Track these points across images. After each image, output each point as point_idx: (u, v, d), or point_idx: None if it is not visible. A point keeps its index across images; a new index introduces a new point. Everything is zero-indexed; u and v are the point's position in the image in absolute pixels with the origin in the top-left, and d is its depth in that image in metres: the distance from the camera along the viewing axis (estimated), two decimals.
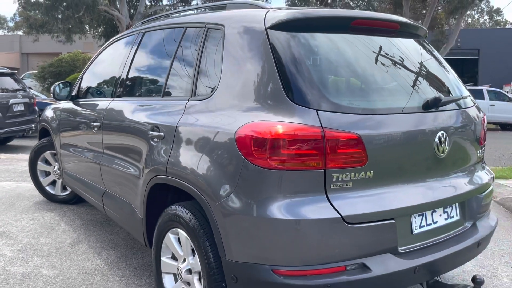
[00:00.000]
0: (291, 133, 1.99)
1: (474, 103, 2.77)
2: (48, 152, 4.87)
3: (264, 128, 2.03)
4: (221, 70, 2.39)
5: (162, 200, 2.79)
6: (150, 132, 2.74)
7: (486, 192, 2.65)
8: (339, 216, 1.99)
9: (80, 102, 4.08)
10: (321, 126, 2.01)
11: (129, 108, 3.15)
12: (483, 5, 49.04)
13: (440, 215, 2.39)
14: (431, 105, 2.34)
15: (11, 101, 9.79)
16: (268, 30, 2.25)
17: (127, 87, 3.37)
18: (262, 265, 2.04)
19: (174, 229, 2.54)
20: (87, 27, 25.14)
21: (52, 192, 4.98)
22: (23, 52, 41.07)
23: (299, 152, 1.99)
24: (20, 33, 40.37)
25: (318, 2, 24.93)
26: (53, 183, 4.99)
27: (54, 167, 4.89)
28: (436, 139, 2.31)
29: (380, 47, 2.48)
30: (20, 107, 10.03)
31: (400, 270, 2.11)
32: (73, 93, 4.21)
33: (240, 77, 2.30)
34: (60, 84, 4.31)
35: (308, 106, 2.05)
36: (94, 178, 3.69)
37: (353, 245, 2.05)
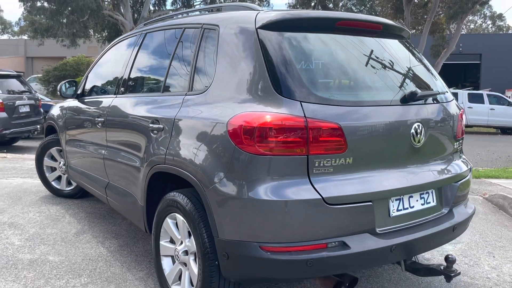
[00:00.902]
0: (277, 122, 2.20)
1: (452, 99, 2.97)
2: (54, 148, 5.09)
3: (253, 118, 2.24)
4: (216, 66, 2.61)
5: (162, 189, 3.00)
6: (151, 125, 2.95)
7: (462, 181, 2.84)
8: (320, 197, 2.20)
9: (85, 100, 4.30)
10: (305, 116, 2.22)
11: (131, 104, 3.37)
12: (486, 11, 49.26)
13: (417, 201, 2.59)
14: (408, 99, 2.55)
15: (17, 102, 10.04)
16: (258, 29, 2.46)
17: (130, 84, 3.59)
18: (250, 242, 2.24)
19: (172, 214, 2.75)
20: (91, 31, 25.46)
21: (58, 187, 5.20)
22: (28, 56, 41.47)
23: (284, 140, 2.20)
24: (25, 37, 40.80)
25: (320, 7, 25.19)
26: (59, 178, 5.21)
27: (60, 162, 5.10)
28: (412, 130, 2.52)
29: (363, 46, 2.69)
30: (26, 109, 10.28)
31: (377, 248, 2.31)
32: (79, 92, 4.44)
33: (233, 73, 2.51)
34: (66, 83, 4.51)
35: (293, 98, 2.26)
36: (98, 171, 3.90)
37: (334, 224, 2.25)
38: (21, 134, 10.45)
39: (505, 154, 11.92)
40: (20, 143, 11.30)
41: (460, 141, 2.96)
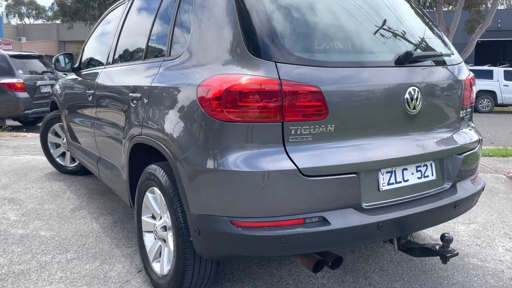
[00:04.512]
0: (248, 85, 1.98)
1: (460, 62, 2.66)
2: (57, 124, 5.03)
3: (222, 81, 2.03)
4: (191, 30, 2.40)
5: (147, 162, 2.84)
6: (131, 94, 2.79)
7: (467, 154, 2.55)
8: (296, 168, 1.98)
9: (81, 73, 4.18)
10: (279, 78, 1.99)
11: (116, 74, 3.21)
12: None
13: (412, 174, 2.33)
14: (403, 60, 2.28)
15: (39, 82, 10.13)
16: None
17: (117, 53, 3.43)
18: (221, 217, 2.05)
19: (151, 188, 2.59)
20: None
21: (62, 163, 5.15)
22: (60, 40, 42.33)
23: (256, 104, 1.98)
24: (58, 22, 41.57)
25: None
26: (63, 154, 5.16)
27: (64, 139, 5.04)
28: (407, 95, 2.25)
29: (353, 2, 2.41)
30: (47, 89, 10.36)
31: (361, 225, 2.08)
32: (76, 65, 4.32)
33: (207, 35, 2.30)
34: (65, 58, 4.37)
35: (268, 59, 2.03)
36: (91, 145, 3.79)
37: (312, 198, 2.02)
38: (43, 114, 10.54)
39: None
40: None
41: (468, 109, 2.66)
